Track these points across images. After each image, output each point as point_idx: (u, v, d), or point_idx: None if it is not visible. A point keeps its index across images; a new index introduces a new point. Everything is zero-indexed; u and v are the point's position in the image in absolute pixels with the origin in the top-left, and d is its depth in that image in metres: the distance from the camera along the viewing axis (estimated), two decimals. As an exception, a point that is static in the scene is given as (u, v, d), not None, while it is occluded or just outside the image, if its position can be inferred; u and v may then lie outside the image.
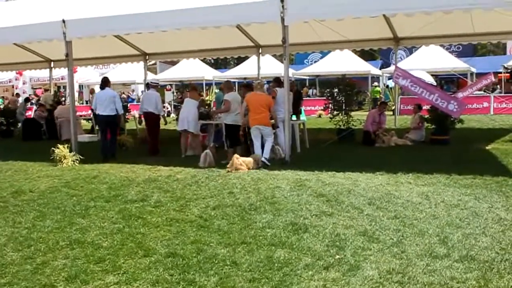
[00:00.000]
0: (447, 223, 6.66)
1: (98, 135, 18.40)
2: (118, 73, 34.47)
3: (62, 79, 29.01)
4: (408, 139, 14.98)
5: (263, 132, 11.67)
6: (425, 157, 12.04)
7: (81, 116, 22.22)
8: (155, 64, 40.38)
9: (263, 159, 11.14)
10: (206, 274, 5.11)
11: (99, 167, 11.47)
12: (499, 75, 33.15)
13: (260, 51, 20.08)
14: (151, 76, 28.61)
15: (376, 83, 35.32)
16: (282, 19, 11.00)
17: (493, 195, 8.06)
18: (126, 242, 6.21)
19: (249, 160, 10.74)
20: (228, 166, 10.53)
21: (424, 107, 16.11)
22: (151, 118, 13.84)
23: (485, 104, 26.92)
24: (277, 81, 13.80)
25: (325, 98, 18.69)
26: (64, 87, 32.08)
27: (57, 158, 11.94)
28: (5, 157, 13.14)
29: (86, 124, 21.91)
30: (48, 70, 23.90)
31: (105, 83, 13.16)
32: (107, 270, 5.32)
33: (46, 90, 24.48)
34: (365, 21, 14.33)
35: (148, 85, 17.70)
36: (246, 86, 14.26)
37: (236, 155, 10.70)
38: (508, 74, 33.76)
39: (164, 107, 18.99)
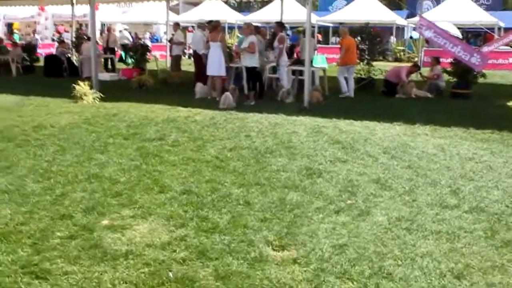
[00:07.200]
0: (460, 175, 6.69)
1: (119, 74, 18.53)
2: (139, 12, 34.06)
3: (84, 16, 28.80)
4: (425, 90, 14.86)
5: (352, 70, 14.46)
6: (444, 110, 11.99)
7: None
8: (178, 4, 39.88)
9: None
10: (219, 212, 5.24)
11: (119, 105, 11.58)
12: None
13: (283, -5, 19.81)
14: (173, 16, 28.27)
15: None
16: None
17: (509, 150, 8.06)
18: (143, 178, 6.35)
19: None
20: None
21: (448, 60, 15.88)
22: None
23: (511, 60, 26.43)
24: (280, 25, 14.82)
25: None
26: (86, 25, 31.83)
27: (78, 95, 12.08)
28: (27, 92, 13.31)
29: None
30: (70, 6, 23.73)
31: None
32: (123, 204, 5.47)
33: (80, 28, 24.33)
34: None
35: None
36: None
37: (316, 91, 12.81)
38: (537, 30, 32.91)
39: (185, 48, 18.62)
